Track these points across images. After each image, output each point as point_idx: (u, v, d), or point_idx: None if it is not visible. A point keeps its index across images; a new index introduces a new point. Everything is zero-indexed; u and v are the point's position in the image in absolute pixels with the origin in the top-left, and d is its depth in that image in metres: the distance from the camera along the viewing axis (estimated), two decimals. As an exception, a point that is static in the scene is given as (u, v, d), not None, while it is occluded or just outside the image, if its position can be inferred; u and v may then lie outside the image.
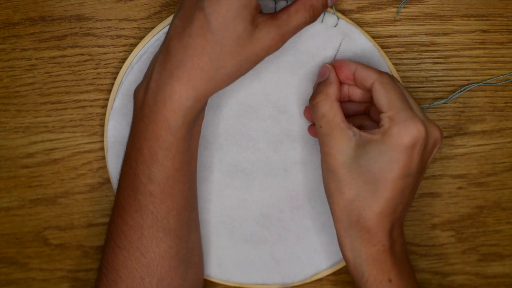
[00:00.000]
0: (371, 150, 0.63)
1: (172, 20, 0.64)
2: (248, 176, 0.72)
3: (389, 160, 0.63)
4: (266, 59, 0.65)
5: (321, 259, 0.73)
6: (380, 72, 0.65)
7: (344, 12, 0.70)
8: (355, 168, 0.64)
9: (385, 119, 0.63)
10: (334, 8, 0.69)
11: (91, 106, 0.74)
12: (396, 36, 0.71)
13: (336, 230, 0.66)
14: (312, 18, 0.65)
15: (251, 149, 0.72)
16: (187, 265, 0.68)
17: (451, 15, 0.71)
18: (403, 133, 0.62)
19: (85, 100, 0.74)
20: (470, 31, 0.71)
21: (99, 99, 0.73)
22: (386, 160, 0.63)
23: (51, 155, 0.75)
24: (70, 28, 0.72)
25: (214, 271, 0.74)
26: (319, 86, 0.67)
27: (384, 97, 0.64)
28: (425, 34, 0.71)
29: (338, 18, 0.69)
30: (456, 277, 0.76)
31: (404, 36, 0.71)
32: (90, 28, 0.72)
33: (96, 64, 0.73)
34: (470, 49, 0.72)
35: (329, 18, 0.69)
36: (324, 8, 0.65)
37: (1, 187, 0.76)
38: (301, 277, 0.74)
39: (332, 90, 0.66)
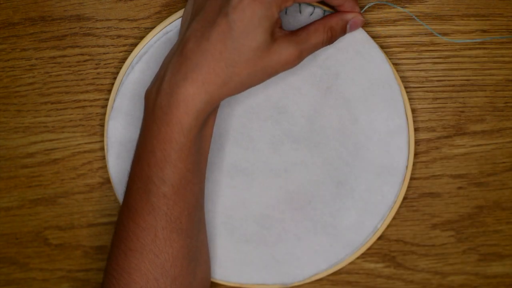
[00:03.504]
0: None
1: (190, 23, 0.64)
2: (248, 177, 0.72)
3: None
4: None
5: (321, 259, 0.73)
6: None
7: (344, 12, 0.71)
8: None
9: None
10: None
11: (91, 106, 0.74)
12: (396, 36, 0.71)
13: None
14: (330, 40, 0.66)
15: (251, 149, 0.72)
16: (196, 263, 0.68)
17: (451, 15, 0.71)
18: None
19: (85, 100, 0.74)
20: (470, 31, 0.71)
21: (99, 99, 0.73)
22: None
23: (51, 155, 0.75)
24: (70, 28, 0.72)
25: (214, 271, 0.74)
26: None
27: None
28: (425, 34, 0.71)
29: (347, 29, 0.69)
30: (456, 277, 0.76)
31: (404, 36, 0.71)
32: (90, 28, 0.72)
33: (96, 64, 0.73)
34: (470, 49, 0.72)
35: None
36: (342, 33, 0.66)
37: (1, 187, 0.76)
38: (300, 277, 0.74)
39: None
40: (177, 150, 0.64)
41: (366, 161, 0.71)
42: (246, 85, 0.64)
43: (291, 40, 0.64)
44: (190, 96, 0.63)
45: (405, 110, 0.71)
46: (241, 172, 0.72)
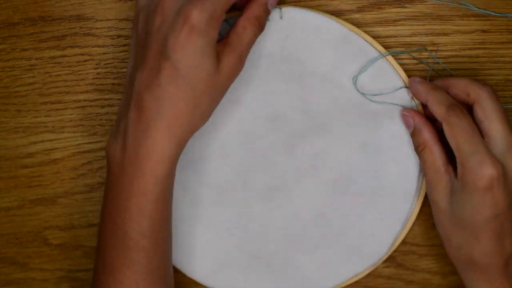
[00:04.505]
0: (458, 199, 0.65)
1: (133, 76, 0.64)
2: (283, 192, 0.72)
3: (473, 206, 0.64)
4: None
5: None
6: (449, 109, 0.65)
7: (344, 12, 0.71)
8: (453, 216, 0.66)
9: (459, 166, 0.65)
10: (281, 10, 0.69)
11: (91, 106, 0.74)
12: (396, 36, 0.71)
13: (460, 275, 0.69)
14: (260, 29, 0.65)
15: (271, 167, 0.72)
16: None
17: (451, 15, 0.71)
18: (476, 179, 0.63)
19: (85, 100, 0.74)
20: (470, 31, 0.71)
21: (99, 99, 0.73)
22: (471, 207, 0.64)
23: (51, 155, 0.75)
24: (70, 28, 0.72)
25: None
26: (413, 137, 0.69)
27: (452, 141, 0.65)
28: (425, 34, 0.71)
29: (281, 15, 0.69)
30: (456, 277, 0.76)
31: (404, 36, 0.71)
32: (90, 28, 0.72)
33: (96, 64, 0.73)
34: (470, 49, 0.72)
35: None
36: (267, 14, 0.66)
37: (1, 187, 0.76)
38: None
39: (426, 137, 0.67)
40: (152, 201, 0.63)
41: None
42: (208, 113, 0.64)
43: (229, 50, 0.63)
44: (159, 143, 0.62)
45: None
46: (275, 191, 0.72)
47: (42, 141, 0.75)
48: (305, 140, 0.71)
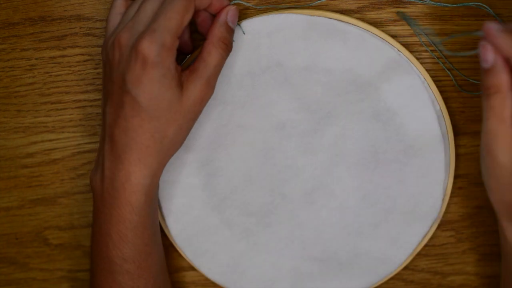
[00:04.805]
0: None
1: (104, 110, 0.65)
2: (321, 191, 0.73)
3: None
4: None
5: None
6: None
7: (344, 12, 0.71)
8: None
9: None
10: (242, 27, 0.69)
11: (91, 106, 0.74)
12: (396, 36, 0.71)
13: (500, 223, 0.65)
14: (227, 50, 0.65)
15: (299, 174, 0.72)
16: None
17: (451, 15, 0.71)
18: None
19: (85, 100, 0.74)
20: (470, 31, 0.71)
21: (99, 99, 0.73)
22: None
23: (51, 155, 0.75)
24: (70, 28, 0.72)
25: None
26: (486, 75, 0.60)
27: None
28: (425, 34, 0.71)
29: (243, 30, 0.69)
30: (456, 277, 0.76)
31: (404, 36, 0.71)
32: (90, 28, 0.72)
33: (96, 64, 0.73)
34: (470, 49, 0.72)
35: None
36: (231, 32, 0.66)
37: (1, 187, 0.76)
38: None
39: (502, 80, 0.59)
40: (131, 228, 0.66)
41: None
42: (178, 142, 0.65)
43: (195, 78, 0.64)
44: (132, 175, 0.64)
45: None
46: (313, 192, 0.73)
47: (42, 141, 0.75)
48: (318, 134, 0.71)
